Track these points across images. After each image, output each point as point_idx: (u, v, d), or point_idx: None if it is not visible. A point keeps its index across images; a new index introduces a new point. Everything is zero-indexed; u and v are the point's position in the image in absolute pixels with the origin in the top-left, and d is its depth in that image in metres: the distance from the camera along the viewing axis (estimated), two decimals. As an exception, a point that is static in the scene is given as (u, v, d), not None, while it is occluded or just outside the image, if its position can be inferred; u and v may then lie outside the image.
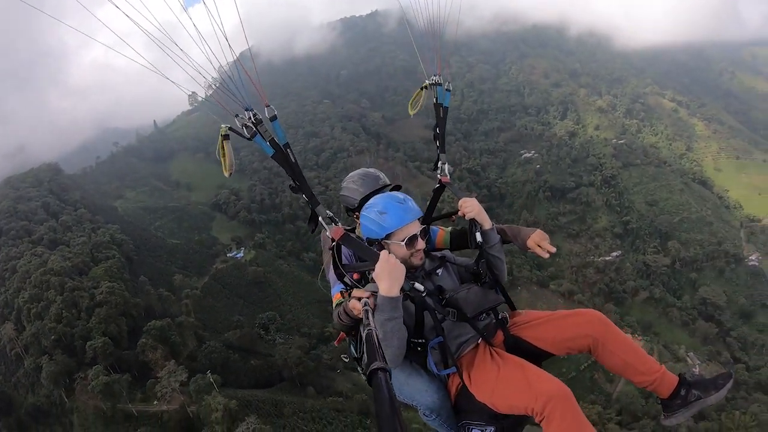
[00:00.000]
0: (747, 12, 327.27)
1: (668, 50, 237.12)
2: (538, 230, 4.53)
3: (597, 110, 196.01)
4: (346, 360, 4.77)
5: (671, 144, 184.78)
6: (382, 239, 4.03)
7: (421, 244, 4.04)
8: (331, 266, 4.25)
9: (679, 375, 3.96)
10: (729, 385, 3.88)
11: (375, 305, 3.70)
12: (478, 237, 4.30)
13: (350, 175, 4.93)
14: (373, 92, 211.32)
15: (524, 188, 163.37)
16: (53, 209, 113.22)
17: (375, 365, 2.26)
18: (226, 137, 3.79)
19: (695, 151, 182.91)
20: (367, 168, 4.99)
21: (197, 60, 3.47)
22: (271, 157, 3.84)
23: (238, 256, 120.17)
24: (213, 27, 3.31)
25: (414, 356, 4.03)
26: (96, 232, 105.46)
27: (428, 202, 4.92)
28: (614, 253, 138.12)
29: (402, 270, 3.73)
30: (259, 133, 3.76)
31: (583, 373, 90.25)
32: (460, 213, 4.47)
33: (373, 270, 3.75)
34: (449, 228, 4.89)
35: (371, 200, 4.19)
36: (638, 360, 3.91)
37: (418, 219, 4.07)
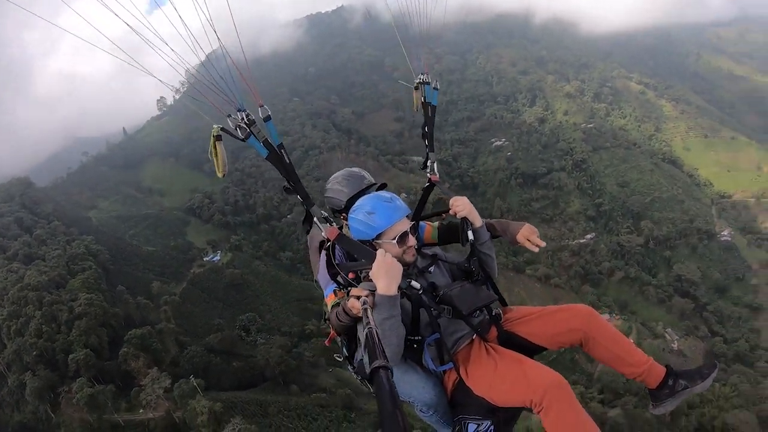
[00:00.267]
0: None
1: (634, 34, 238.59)
2: (527, 224, 4.62)
3: (565, 96, 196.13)
4: (340, 359, 4.66)
5: (640, 126, 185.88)
6: (373, 239, 4.05)
7: (412, 240, 4.08)
8: (322, 266, 4.35)
9: (666, 366, 4.10)
10: (714, 374, 4.06)
11: (373, 303, 3.67)
12: (470, 235, 4.37)
13: (334, 176, 4.94)
14: (342, 88, 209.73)
15: (496, 176, 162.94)
16: (26, 224, 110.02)
17: (377, 363, 2.29)
18: (218, 138, 3.74)
19: (664, 131, 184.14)
20: (351, 168, 5.01)
21: (164, 63, 3.45)
22: (266, 158, 3.84)
23: (214, 259, 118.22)
24: (204, 23, 3.36)
25: (410, 353, 4.04)
26: (71, 245, 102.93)
27: (417, 200, 4.94)
28: (588, 236, 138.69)
29: (399, 268, 3.75)
30: (253, 134, 3.75)
31: (564, 355, 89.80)
32: (451, 212, 4.52)
33: (370, 269, 3.76)
34: (436, 223, 4.94)
35: (358, 202, 4.19)
36: (626, 352, 4.05)
37: (407, 216, 4.10)
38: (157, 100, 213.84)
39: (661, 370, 4.05)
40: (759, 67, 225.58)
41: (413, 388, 4.11)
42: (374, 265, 3.73)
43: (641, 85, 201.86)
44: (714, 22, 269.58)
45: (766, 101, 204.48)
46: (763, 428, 72.83)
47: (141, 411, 71.93)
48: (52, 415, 73.13)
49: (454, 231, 4.69)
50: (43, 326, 79.73)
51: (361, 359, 4.26)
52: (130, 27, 3.10)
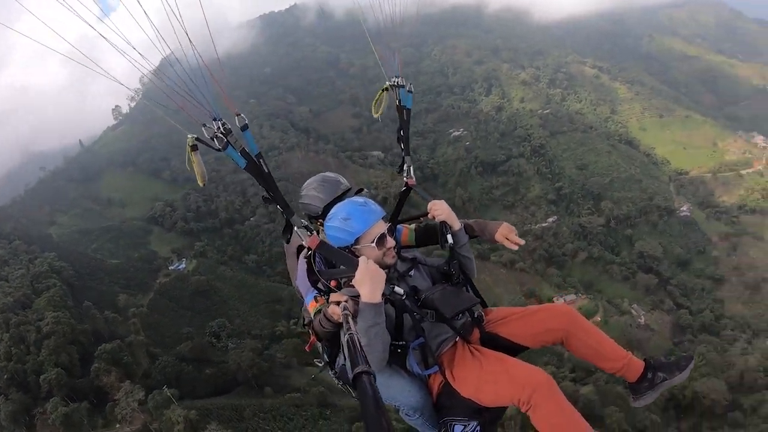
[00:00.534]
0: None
1: (587, 19, 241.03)
2: (504, 223, 4.66)
3: (521, 83, 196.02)
4: (320, 365, 4.69)
5: (596, 109, 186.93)
6: (351, 245, 4.09)
7: (390, 242, 4.11)
8: (301, 273, 4.32)
9: (645, 359, 4.27)
10: (691, 365, 4.25)
11: (355, 309, 3.72)
12: (449, 239, 4.38)
13: (309, 182, 4.89)
14: (298, 87, 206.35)
15: (456, 166, 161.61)
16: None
17: (359, 369, 2.32)
18: (194, 148, 3.71)
19: (620, 113, 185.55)
20: (326, 173, 4.94)
21: (120, 71, 3.45)
22: (244, 168, 3.83)
23: (180, 267, 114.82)
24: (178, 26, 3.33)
25: (394, 358, 4.08)
26: (34, 263, 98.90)
27: (395, 205, 4.92)
28: (550, 219, 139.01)
29: (382, 275, 3.77)
30: (230, 144, 3.71)
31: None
32: (429, 215, 4.56)
33: (352, 276, 3.78)
34: (413, 226, 4.91)
35: (332, 210, 4.20)
36: (606, 348, 4.18)
37: (383, 218, 4.14)
38: (113, 109, 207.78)
39: (640, 364, 4.20)
40: (711, 47, 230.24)
41: (399, 392, 4.12)
42: (357, 272, 3.70)
43: (595, 69, 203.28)
44: (666, 4, 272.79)
45: (718, 80, 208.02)
46: (732, 393, 74.52)
47: (117, 426, 70.27)
48: (29, 437, 71.06)
49: (431, 233, 4.69)
50: (12, 348, 76.94)
51: (343, 364, 4.27)
52: (94, 29, 3.01)
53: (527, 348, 4.24)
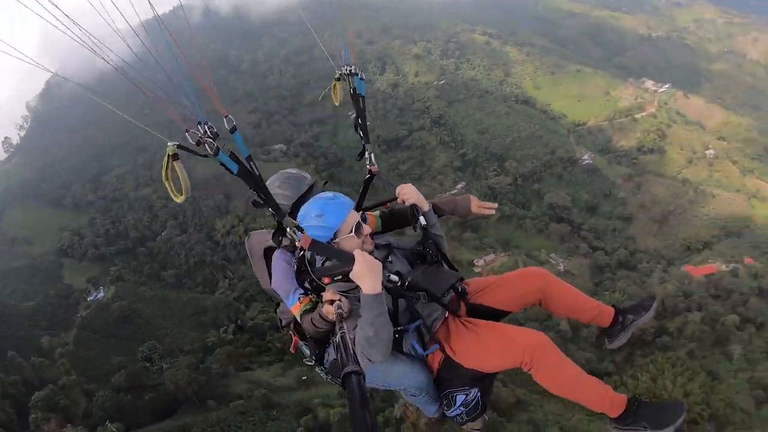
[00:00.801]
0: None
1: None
2: (470, 195, 4.90)
3: (414, 58, 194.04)
4: (310, 364, 4.74)
5: (490, 74, 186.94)
6: (330, 240, 4.12)
7: (367, 229, 4.19)
8: (281, 274, 4.48)
9: (614, 305, 4.64)
10: (654, 304, 4.68)
11: (348, 307, 3.83)
12: (422, 220, 4.45)
13: (271, 180, 4.78)
14: (192, 91, 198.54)
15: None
16: None
17: (348, 369, 2.41)
18: (175, 157, 3.49)
19: (513, 75, 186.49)
20: (288, 170, 4.97)
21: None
22: (236, 174, 3.66)
23: (99, 297, 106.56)
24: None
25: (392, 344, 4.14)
26: None
27: (360, 192, 5.02)
28: (459, 186, 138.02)
29: (379, 266, 3.80)
30: (219, 148, 3.57)
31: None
32: (399, 200, 4.65)
33: (347, 271, 3.81)
34: (377, 212, 4.99)
35: (302, 212, 4.24)
36: (580, 301, 4.54)
37: (353, 208, 4.25)
38: (2, 142, 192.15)
39: (610, 310, 4.58)
40: (596, 3, 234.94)
41: (403, 376, 4.22)
42: (355, 266, 3.71)
43: (486, 36, 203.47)
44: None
45: (604, 33, 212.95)
46: (657, 320, 76.89)
47: (70, 472, 65.28)
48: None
49: (396, 217, 4.88)
50: (-58, 418, 70.08)
51: (333, 360, 4.39)
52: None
53: (509, 312, 4.51)
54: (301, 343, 4.64)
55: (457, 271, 4.46)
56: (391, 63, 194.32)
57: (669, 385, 62.54)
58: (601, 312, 4.51)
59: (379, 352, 3.75)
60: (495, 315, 4.42)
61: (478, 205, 4.81)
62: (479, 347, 4.03)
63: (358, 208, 4.48)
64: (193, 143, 3.39)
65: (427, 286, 4.03)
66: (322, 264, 4.19)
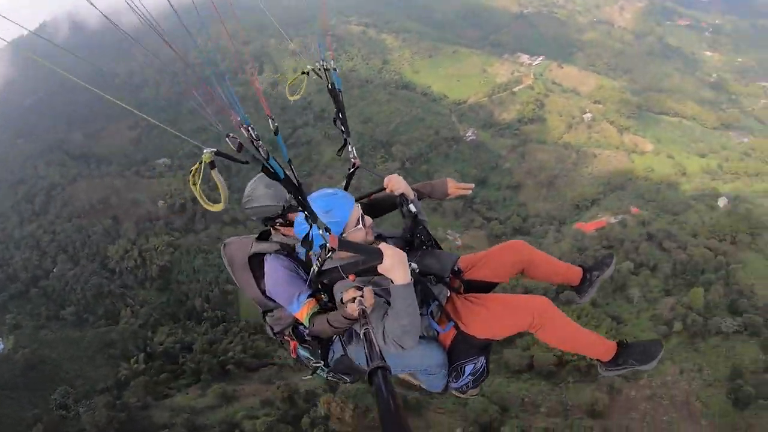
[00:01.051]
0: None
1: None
2: (446, 179, 5.33)
3: (291, 54, 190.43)
4: (316, 365, 4.77)
5: (368, 63, 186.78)
6: (341, 234, 4.15)
7: (369, 220, 4.32)
8: (281, 279, 4.43)
9: (580, 265, 5.16)
10: (615, 260, 5.32)
11: (372, 301, 3.80)
12: (412, 208, 4.68)
13: (252, 187, 4.73)
14: (66, 112, 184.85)
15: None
16: None
17: (375, 364, 2.43)
18: (212, 165, 3.11)
19: (391, 62, 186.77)
20: (260, 175, 4.27)
21: None
22: (281, 179, 3.28)
23: None
24: None
25: None
26: None
27: (344, 185, 5.23)
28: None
29: (405, 256, 3.88)
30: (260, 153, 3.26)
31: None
32: (387, 190, 4.93)
33: (376, 265, 3.83)
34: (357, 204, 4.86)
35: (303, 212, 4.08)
36: (554, 266, 5.05)
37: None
38: None
39: (578, 270, 5.11)
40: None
41: (424, 357, 4.42)
42: (386, 259, 3.75)
43: (361, 26, 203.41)
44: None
45: (478, 14, 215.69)
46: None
47: None
48: None
49: (378, 207, 5.00)
50: None
51: (337, 358, 4.60)
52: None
53: (499, 283, 4.85)
54: (301, 346, 4.64)
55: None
56: (269, 62, 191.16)
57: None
58: (571, 272, 5.06)
59: (413, 339, 3.85)
60: (486, 288, 4.76)
61: (455, 187, 5.15)
62: (491, 318, 4.29)
63: None
64: (234, 149, 3.12)
65: (435, 270, 4.15)
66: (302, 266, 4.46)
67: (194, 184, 3.03)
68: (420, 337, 4.19)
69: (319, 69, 5.00)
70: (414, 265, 4.01)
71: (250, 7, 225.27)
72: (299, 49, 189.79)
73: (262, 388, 70.17)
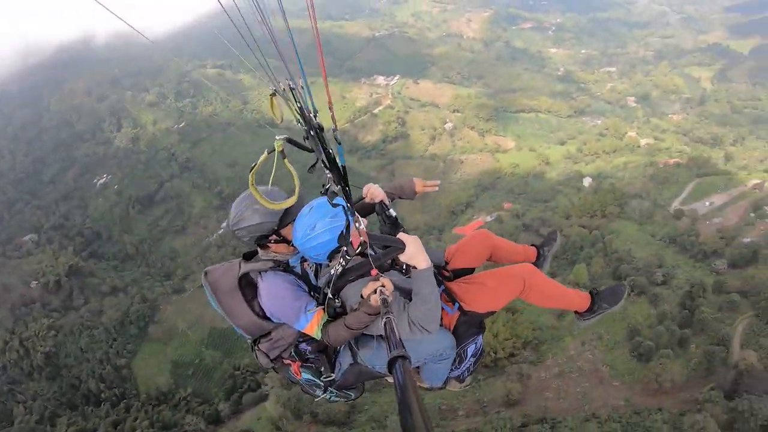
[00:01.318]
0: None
1: (198, 22, 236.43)
2: (413, 177, 5.37)
3: (149, 106, 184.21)
4: (325, 381, 4.75)
5: (228, 105, 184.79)
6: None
7: (365, 221, 4.21)
8: (287, 294, 4.32)
9: (533, 244, 5.86)
10: (558, 235, 6.15)
11: (392, 289, 3.89)
12: (392, 212, 4.86)
13: (239, 208, 4.54)
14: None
15: (114, 214, 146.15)
16: None
17: (395, 353, 2.47)
18: (282, 154, 3.47)
19: (251, 101, 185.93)
20: (241, 195, 4.72)
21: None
22: (342, 167, 3.65)
23: None
24: None
25: None
26: None
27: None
28: (224, 225, 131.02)
29: (421, 242, 4.12)
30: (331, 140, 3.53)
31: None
32: (367, 199, 5.03)
33: (399, 253, 4.02)
34: None
35: (311, 219, 4.16)
36: (514, 248, 5.66)
37: None
38: None
39: (533, 249, 5.83)
40: (318, 17, 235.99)
41: (437, 341, 4.53)
42: (409, 248, 3.96)
43: (217, 69, 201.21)
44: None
45: (331, 43, 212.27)
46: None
47: None
48: None
49: (359, 213, 4.58)
50: None
51: (346, 368, 4.62)
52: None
53: (474, 269, 5.26)
54: (303, 366, 4.60)
55: None
56: (127, 116, 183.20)
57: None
58: (527, 251, 5.72)
59: (436, 321, 4.03)
60: (465, 272, 5.13)
61: (423, 185, 5.25)
62: (490, 291, 4.68)
63: None
64: (303, 138, 3.32)
65: (433, 261, 4.20)
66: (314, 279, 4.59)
67: (252, 184, 3.29)
68: None
69: (283, 90, 4.24)
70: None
71: (103, 60, 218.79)
72: (156, 99, 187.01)
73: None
